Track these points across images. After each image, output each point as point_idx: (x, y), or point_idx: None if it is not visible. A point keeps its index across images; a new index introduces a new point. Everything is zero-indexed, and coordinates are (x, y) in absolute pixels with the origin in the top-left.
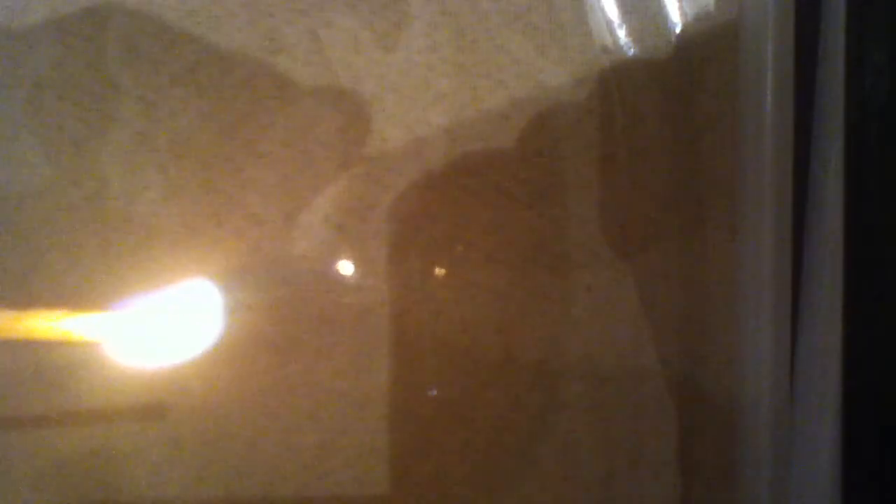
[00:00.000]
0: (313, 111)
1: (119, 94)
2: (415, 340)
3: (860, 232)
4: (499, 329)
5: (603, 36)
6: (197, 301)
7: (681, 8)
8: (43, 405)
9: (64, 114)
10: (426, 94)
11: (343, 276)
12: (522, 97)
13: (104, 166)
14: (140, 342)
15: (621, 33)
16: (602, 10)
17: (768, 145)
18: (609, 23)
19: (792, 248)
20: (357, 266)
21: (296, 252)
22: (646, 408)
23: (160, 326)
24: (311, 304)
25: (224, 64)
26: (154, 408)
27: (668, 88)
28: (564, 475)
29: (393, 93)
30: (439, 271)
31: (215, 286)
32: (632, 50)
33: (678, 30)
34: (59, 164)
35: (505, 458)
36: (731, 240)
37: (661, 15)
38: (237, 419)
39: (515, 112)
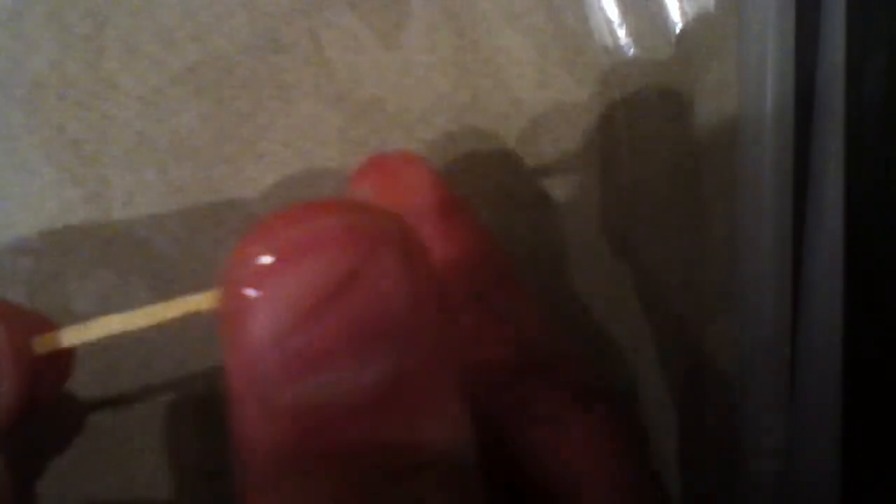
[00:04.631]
0: (313, 111)
1: (119, 94)
2: None
3: (860, 232)
4: None
5: (603, 36)
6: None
7: (681, 8)
8: None
9: (64, 114)
10: (426, 94)
11: None
12: (522, 97)
13: (104, 166)
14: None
15: (621, 33)
16: (602, 10)
17: (768, 145)
18: (609, 23)
19: (792, 248)
20: None
21: None
22: (646, 408)
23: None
24: None
25: (224, 64)
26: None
27: (668, 88)
28: None
29: (393, 93)
30: None
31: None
32: (632, 50)
33: (678, 30)
34: (59, 164)
35: None
36: (731, 240)
37: (661, 15)
38: None
39: (515, 112)
